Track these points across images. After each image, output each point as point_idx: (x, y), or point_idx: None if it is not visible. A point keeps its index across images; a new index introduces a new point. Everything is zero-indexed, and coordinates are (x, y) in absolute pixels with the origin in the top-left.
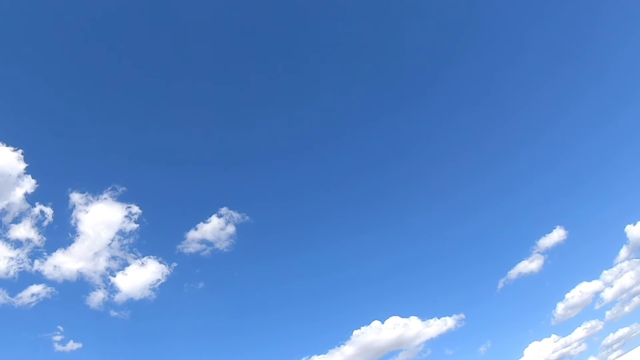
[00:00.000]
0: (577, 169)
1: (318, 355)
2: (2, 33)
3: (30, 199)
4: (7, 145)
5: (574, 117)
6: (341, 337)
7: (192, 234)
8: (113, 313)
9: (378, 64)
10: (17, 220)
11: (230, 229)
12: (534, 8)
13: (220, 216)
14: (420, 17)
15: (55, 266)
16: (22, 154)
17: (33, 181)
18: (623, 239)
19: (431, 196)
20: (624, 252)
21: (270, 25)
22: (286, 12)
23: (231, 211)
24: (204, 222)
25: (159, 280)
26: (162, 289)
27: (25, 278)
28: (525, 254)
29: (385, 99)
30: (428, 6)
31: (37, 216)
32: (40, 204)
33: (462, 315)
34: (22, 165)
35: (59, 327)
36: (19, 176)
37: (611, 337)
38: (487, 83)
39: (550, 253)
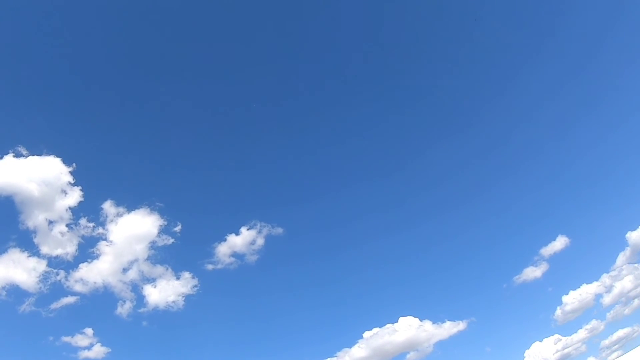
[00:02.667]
0: (578, 178)
1: (331, 356)
2: (53, 49)
3: (73, 209)
4: (57, 156)
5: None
6: (351, 339)
7: (221, 246)
8: (141, 323)
9: (387, 69)
10: (58, 229)
11: (260, 240)
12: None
13: (249, 228)
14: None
15: (85, 276)
16: (67, 164)
17: (77, 192)
18: (623, 244)
19: (440, 205)
20: (624, 256)
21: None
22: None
23: (260, 222)
24: (234, 234)
25: (187, 291)
26: (190, 300)
27: (58, 286)
28: (529, 261)
29: (393, 107)
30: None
31: (76, 226)
32: (79, 214)
33: (470, 319)
34: (68, 177)
35: (89, 333)
36: (63, 187)
37: (611, 338)
38: (493, 96)
39: (553, 259)
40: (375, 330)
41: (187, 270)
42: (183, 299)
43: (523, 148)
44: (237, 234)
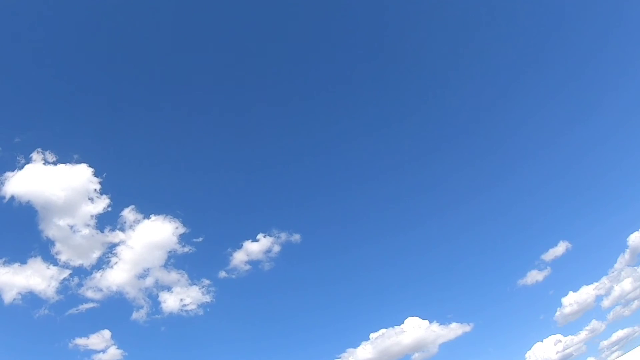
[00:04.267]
0: (578, 182)
1: (337, 357)
2: (88, 61)
3: (94, 216)
4: (82, 163)
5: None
6: (357, 340)
7: (238, 253)
8: (157, 328)
9: (390, 72)
10: (79, 236)
11: (275, 247)
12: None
13: (266, 235)
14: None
15: (103, 282)
16: (93, 172)
17: (100, 199)
18: (624, 247)
19: (444, 205)
20: (624, 258)
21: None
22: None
23: (276, 229)
24: (251, 241)
25: (202, 297)
26: (206, 306)
27: (75, 292)
28: (532, 265)
29: (398, 106)
30: None
31: (97, 233)
32: (99, 221)
33: (474, 321)
34: (92, 185)
35: (105, 337)
36: (88, 194)
37: (611, 339)
38: (494, 99)
39: (555, 263)
40: (382, 331)
41: (203, 277)
42: (199, 305)
43: (525, 149)
44: (254, 240)
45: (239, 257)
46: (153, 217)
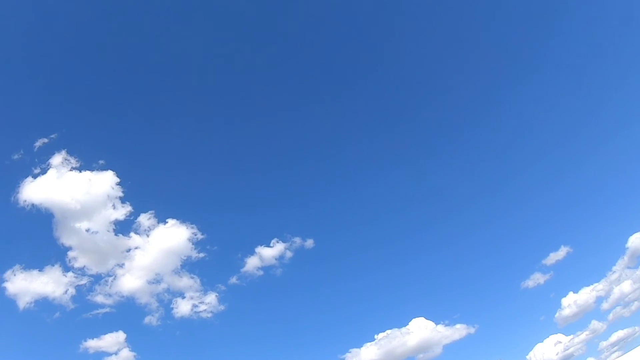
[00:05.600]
0: (578, 185)
1: (342, 356)
2: (114, 70)
3: (112, 222)
4: (106, 170)
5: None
6: (361, 340)
7: (251, 259)
8: (170, 333)
9: (393, 74)
10: (96, 241)
11: (288, 253)
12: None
13: (279, 241)
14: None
15: (116, 287)
16: (115, 177)
17: (119, 205)
18: (623, 249)
19: (452, 209)
20: (623, 260)
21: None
22: None
23: (288, 235)
24: (265, 246)
25: (215, 303)
26: (219, 312)
27: (90, 297)
28: (534, 268)
29: (408, 112)
30: None
31: (114, 238)
32: (117, 226)
33: (477, 323)
34: (112, 191)
35: (119, 340)
36: (107, 200)
37: (610, 340)
38: (497, 104)
39: (556, 266)
40: (387, 332)
41: (216, 282)
42: (211, 310)
43: (530, 151)
44: (267, 245)
45: (252, 263)
46: (169, 223)
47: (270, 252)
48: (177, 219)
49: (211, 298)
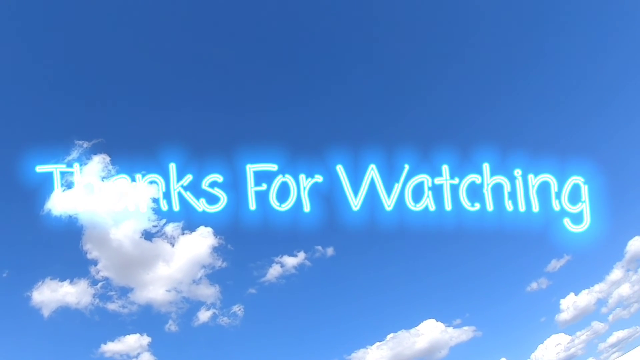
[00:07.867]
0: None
1: (348, 356)
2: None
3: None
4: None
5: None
6: (367, 341)
7: (272, 268)
8: (192, 341)
9: (392, 74)
10: (121, 250)
11: (307, 263)
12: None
13: (301, 250)
14: None
15: (141, 296)
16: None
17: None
18: (623, 251)
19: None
20: (624, 262)
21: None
22: None
23: (311, 243)
24: (287, 256)
25: (236, 310)
26: (238, 318)
27: (110, 305)
28: (536, 271)
29: (404, 110)
30: None
31: (140, 245)
32: (146, 235)
33: (482, 325)
34: (150, 203)
35: (142, 344)
36: (145, 211)
37: (610, 340)
38: (500, 106)
39: (558, 272)
40: (393, 334)
41: (237, 291)
42: (234, 318)
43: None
44: (291, 255)
45: (273, 272)
46: (195, 232)
47: (292, 260)
48: (200, 227)
49: (233, 306)
